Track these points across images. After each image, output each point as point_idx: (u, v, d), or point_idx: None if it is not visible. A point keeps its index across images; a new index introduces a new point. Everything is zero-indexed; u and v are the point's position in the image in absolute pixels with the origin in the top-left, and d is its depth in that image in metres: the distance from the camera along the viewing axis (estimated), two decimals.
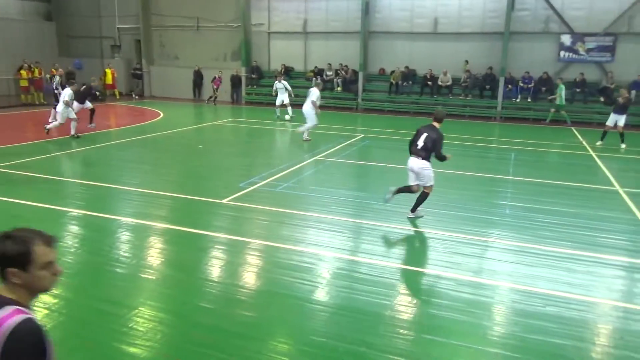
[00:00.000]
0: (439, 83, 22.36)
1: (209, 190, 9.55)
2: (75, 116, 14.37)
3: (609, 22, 20.25)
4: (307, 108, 14.46)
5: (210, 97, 25.46)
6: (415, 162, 7.74)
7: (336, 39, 24.50)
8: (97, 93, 20.02)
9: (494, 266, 6.45)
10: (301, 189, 9.76)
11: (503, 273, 6.16)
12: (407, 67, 23.11)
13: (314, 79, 14.60)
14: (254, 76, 25.77)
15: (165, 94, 27.62)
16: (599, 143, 15.01)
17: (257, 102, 25.28)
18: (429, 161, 7.71)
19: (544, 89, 20.93)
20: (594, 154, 13.81)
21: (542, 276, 6.04)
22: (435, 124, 7.81)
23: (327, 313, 5.11)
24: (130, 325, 4.72)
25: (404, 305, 5.31)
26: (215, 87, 25.00)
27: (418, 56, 23.23)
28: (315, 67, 24.83)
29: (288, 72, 25.52)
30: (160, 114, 20.70)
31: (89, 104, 15.85)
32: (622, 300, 5.61)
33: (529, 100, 21.20)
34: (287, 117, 19.36)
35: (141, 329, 4.67)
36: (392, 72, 23.34)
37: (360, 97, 23.81)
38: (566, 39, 20.95)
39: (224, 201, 8.68)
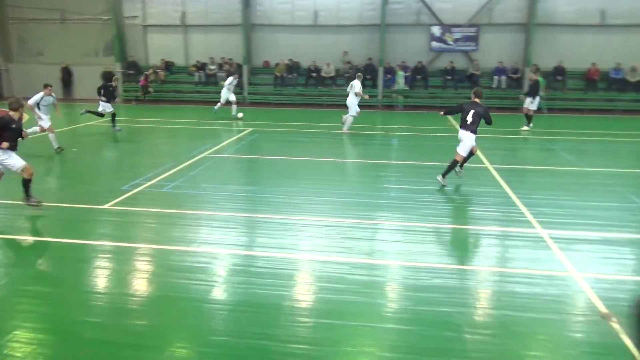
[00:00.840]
0: (323, 74, 22.85)
1: (88, 196, 8.84)
2: None
3: (472, 14, 22.09)
4: (351, 99, 15.03)
5: (137, 96, 23.55)
6: (463, 134, 9.07)
7: (217, 32, 23.97)
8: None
9: (384, 247, 6.74)
10: (190, 187, 9.42)
11: (393, 252, 6.46)
12: (291, 60, 23.31)
13: (358, 74, 15.72)
14: (131, 72, 24.32)
15: (29, 94, 24.98)
16: (525, 128, 16.28)
17: (142, 100, 23.87)
18: (475, 134, 9.02)
19: (419, 77, 22.35)
20: None
21: (428, 251, 6.44)
22: (477, 100, 9.10)
23: (226, 311, 4.99)
24: (5, 352, 4.22)
25: (303, 294, 5.36)
26: (142, 85, 23.16)
27: (301, 48, 23.54)
28: (197, 61, 24.11)
29: (169, 67, 24.49)
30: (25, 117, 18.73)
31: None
32: (497, 265, 6.17)
33: (407, 88, 22.46)
34: (239, 115, 18.30)
35: (18, 354, 4.21)
36: (277, 64, 23.40)
37: (246, 90, 23.56)
38: (436, 30, 22.49)
39: (105, 206, 8.09)
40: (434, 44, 22.66)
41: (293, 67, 23.27)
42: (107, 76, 19.33)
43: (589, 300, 5.16)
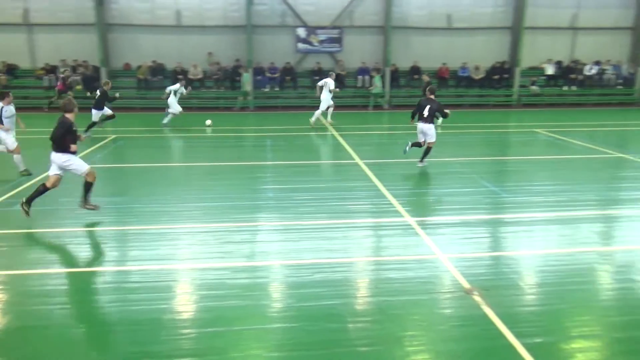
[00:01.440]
0: (190, 77, 22.15)
1: None
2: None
3: (335, 17, 22.98)
4: (324, 95, 16.68)
5: (51, 100, 20.54)
6: (423, 126, 10.66)
7: (68, 32, 22.01)
8: (117, 95, 15.84)
9: (265, 248, 6.73)
10: (46, 203, 8.50)
11: (273, 252, 6.47)
12: (154, 61, 22.24)
13: (330, 72, 17.59)
14: None
15: None
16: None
17: None
18: (432, 123, 10.66)
19: (288, 77, 22.68)
20: (336, 134, 15.58)
21: (307, 248, 6.56)
22: (432, 97, 10.70)
23: (98, 333, 4.59)
24: None
25: (183, 305, 5.13)
26: (58, 89, 20.30)
27: (165, 49, 22.58)
28: (47, 63, 21.92)
29: (12, 71, 21.94)
30: None
31: (108, 110, 14.98)
32: (373, 255, 6.49)
33: (277, 89, 22.67)
34: (208, 122, 16.83)
35: None
36: (139, 67, 22.16)
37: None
38: (301, 32, 23.01)
39: None
40: (300, 45, 23.17)
41: (157, 70, 22.22)
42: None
43: (454, 279, 5.64)
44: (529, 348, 4.29)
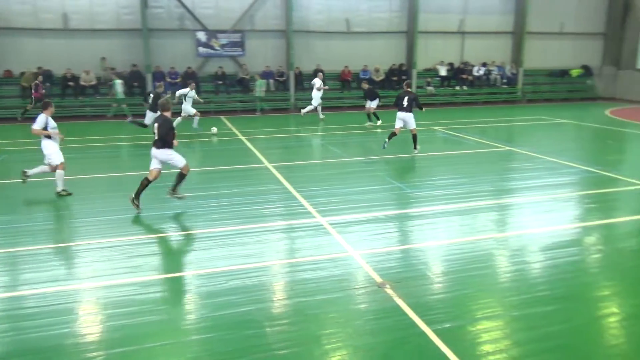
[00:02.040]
0: (83, 83, 20.80)
1: None
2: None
3: (235, 20, 22.72)
4: (315, 93, 18.91)
5: (26, 109, 19.11)
6: (405, 115, 12.39)
7: None
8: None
9: (176, 259, 6.47)
10: None
11: (185, 263, 6.25)
12: (40, 68, 20.54)
13: (318, 72, 19.73)
14: None
15: None
16: (368, 124, 17.86)
17: None
18: (411, 112, 12.38)
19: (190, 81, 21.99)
20: (243, 138, 15.40)
21: (220, 256, 6.40)
22: (409, 89, 12.80)
23: None
24: None
25: (88, 327, 4.77)
26: (34, 97, 18.67)
27: (51, 55, 20.97)
28: None
29: None
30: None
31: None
32: (287, 257, 6.48)
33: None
34: (214, 129, 16.22)
35: None
36: (22, 73, 20.38)
37: None
38: (202, 36, 22.47)
39: None
40: (201, 49, 22.62)
41: (44, 76, 20.56)
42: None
43: (367, 274, 5.80)
44: (439, 334, 4.51)
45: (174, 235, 7.32)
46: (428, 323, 4.69)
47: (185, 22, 22.32)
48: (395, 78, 24.61)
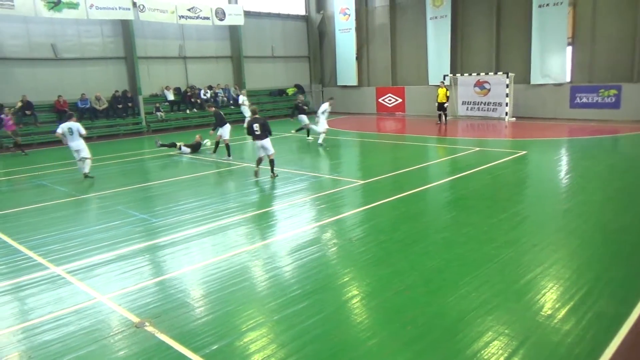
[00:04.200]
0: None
1: None
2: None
3: None
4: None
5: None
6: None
7: None
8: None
9: None
10: None
11: None
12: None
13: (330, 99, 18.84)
14: None
15: None
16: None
17: None
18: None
19: None
20: None
21: None
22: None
23: None
24: None
25: None
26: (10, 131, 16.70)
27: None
28: None
29: None
30: None
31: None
32: (17, 322, 5.41)
33: None
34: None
35: None
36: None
37: None
38: None
39: None
40: None
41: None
42: None
43: (121, 317, 5.30)
44: (209, 357, 4.43)
45: None
46: (195, 350, 4.55)
47: None
48: (120, 105, 23.37)
